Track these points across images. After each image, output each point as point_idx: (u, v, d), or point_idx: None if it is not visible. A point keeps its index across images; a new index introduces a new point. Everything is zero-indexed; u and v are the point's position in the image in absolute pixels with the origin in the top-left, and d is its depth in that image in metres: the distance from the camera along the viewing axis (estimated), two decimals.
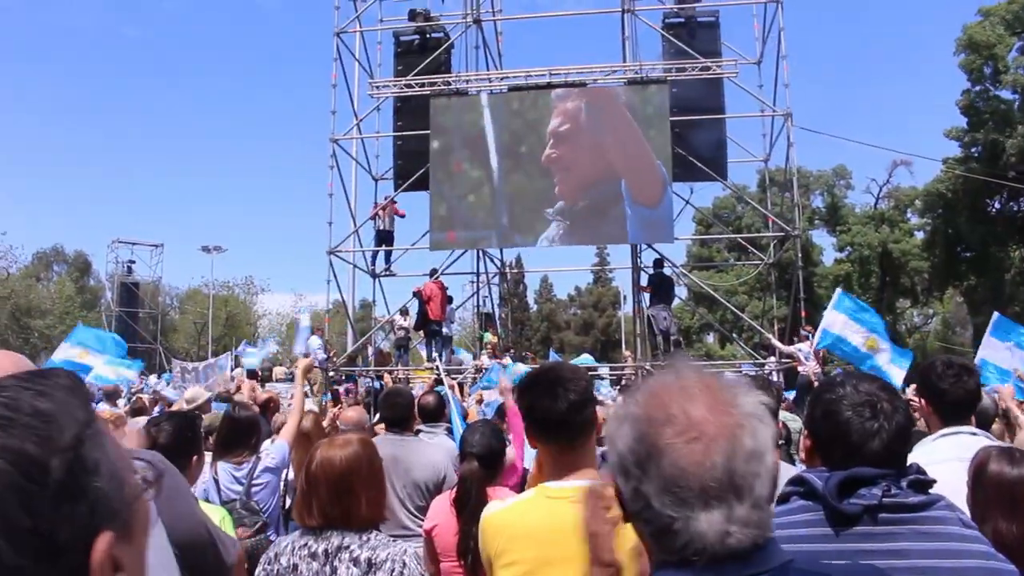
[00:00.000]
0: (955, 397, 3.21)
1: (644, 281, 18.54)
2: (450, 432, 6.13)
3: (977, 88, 36.05)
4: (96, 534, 0.80)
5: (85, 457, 0.81)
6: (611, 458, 1.26)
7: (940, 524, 1.92)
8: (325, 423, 6.32)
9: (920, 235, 44.52)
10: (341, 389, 16.33)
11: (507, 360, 16.07)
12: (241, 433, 4.66)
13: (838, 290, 10.38)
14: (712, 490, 1.14)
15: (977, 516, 2.54)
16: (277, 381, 20.59)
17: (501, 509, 2.47)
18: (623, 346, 39.09)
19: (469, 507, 3.56)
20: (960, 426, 3.22)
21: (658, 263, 18.17)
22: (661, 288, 17.78)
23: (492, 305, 23.71)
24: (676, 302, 24.58)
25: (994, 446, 2.89)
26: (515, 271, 35.37)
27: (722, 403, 1.20)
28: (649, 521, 1.19)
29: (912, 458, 2.11)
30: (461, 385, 12.25)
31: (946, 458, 2.68)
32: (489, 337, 20.84)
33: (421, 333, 19.07)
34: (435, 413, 5.86)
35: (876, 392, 2.10)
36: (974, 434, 3.22)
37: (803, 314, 17.42)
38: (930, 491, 2.01)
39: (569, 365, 2.64)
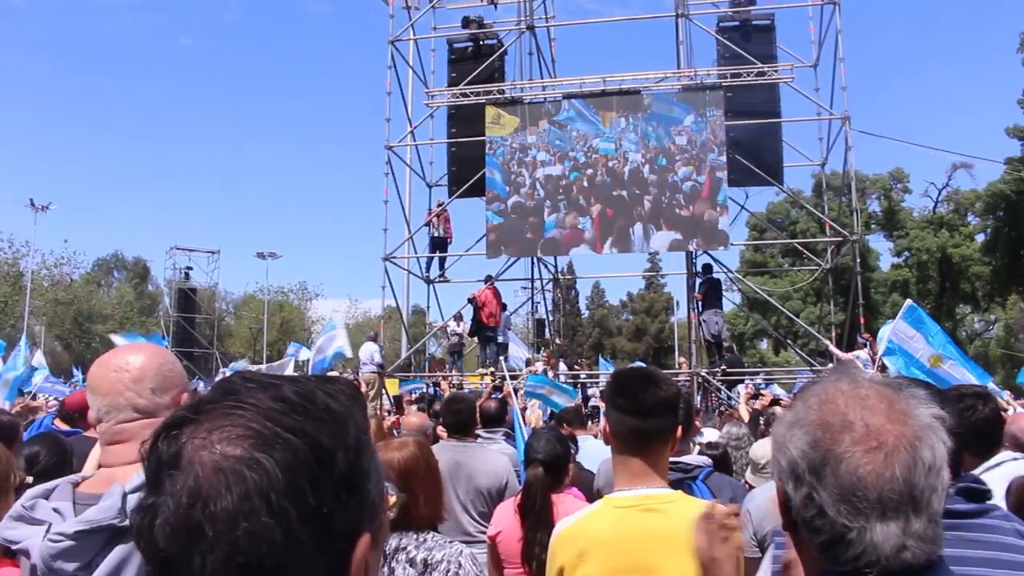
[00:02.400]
0: (976, 430, 3.04)
1: (697, 286, 18.36)
2: (509, 437, 6.14)
3: None
4: (360, 530, 0.89)
5: (361, 460, 0.90)
6: (779, 463, 1.24)
7: (992, 533, 1.80)
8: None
9: (981, 238, 43.46)
10: (404, 392, 16.33)
11: (540, 366, 16.03)
12: None
13: (908, 301, 10.04)
14: (891, 501, 1.13)
15: None
16: None
17: (571, 524, 2.48)
18: (676, 352, 38.80)
19: (534, 513, 3.57)
20: (997, 455, 3.07)
21: (707, 268, 18.05)
22: (711, 293, 17.67)
23: (545, 311, 23.69)
24: (730, 307, 24.27)
25: None
26: (567, 277, 35.29)
27: (899, 413, 1.19)
28: (820, 530, 1.17)
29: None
30: (516, 391, 12.24)
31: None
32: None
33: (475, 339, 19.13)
34: (496, 418, 5.88)
35: None
36: (1016, 458, 3.10)
37: (860, 320, 17.15)
38: (987, 502, 1.92)
39: (664, 373, 2.64)
